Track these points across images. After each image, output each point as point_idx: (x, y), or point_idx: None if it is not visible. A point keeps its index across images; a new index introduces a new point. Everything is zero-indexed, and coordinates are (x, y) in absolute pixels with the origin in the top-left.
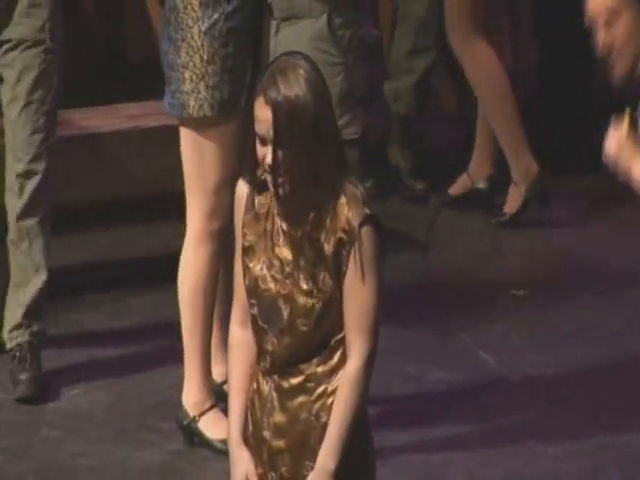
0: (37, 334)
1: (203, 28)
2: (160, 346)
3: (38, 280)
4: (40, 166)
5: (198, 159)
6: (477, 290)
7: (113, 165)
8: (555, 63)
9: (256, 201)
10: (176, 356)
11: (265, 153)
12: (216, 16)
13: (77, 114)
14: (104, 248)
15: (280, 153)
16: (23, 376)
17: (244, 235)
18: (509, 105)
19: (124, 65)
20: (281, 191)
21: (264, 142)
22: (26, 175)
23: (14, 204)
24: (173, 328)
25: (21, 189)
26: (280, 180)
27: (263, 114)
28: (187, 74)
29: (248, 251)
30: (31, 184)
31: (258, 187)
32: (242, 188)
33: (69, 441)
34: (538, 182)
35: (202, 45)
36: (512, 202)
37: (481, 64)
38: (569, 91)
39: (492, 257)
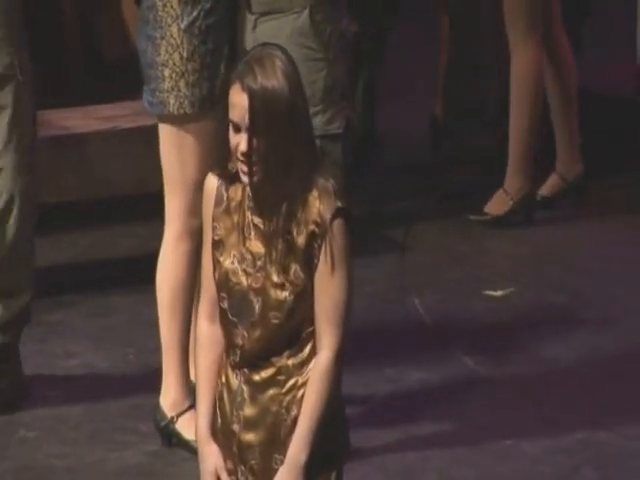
0: (15, 336)
1: (182, 26)
2: (139, 347)
3: (23, 299)
4: (14, 205)
5: (179, 157)
6: (456, 290)
7: (91, 166)
8: None
9: (226, 195)
10: (154, 357)
11: (238, 141)
12: (195, 13)
13: (53, 115)
14: (83, 248)
15: (255, 141)
16: (3, 381)
17: (214, 229)
18: (537, 117)
19: (101, 64)
20: (255, 179)
21: (238, 129)
22: (5, 211)
23: None
24: (152, 329)
25: (2, 223)
26: (254, 169)
27: (239, 100)
28: (167, 72)
29: (218, 245)
30: (11, 219)
31: (230, 179)
32: (212, 181)
33: (46, 442)
34: (528, 199)
35: (181, 43)
36: (495, 204)
37: (526, 69)
38: None
39: (471, 258)
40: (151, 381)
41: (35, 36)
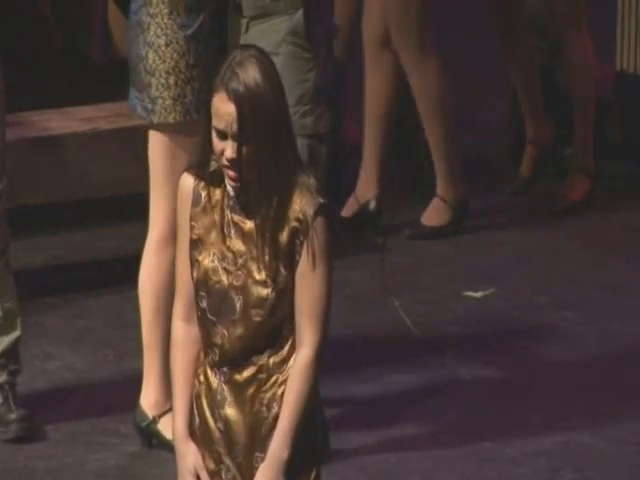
0: (15, 372)
1: (189, 32)
2: (118, 349)
3: (13, 334)
4: None
5: (172, 162)
6: (436, 291)
7: (70, 167)
8: None
9: (203, 194)
10: (133, 358)
11: (224, 147)
12: (200, 19)
13: (33, 116)
14: (62, 250)
15: (243, 147)
16: (13, 416)
17: (192, 228)
18: (449, 124)
19: (82, 66)
20: (240, 184)
21: (224, 136)
22: None
23: None
24: (132, 331)
25: None
26: (242, 173)
27: (225, 109)
28: (172, 79)
29: (196, 244)
30: None
31: (209, 179)
32: (188, 181)
33: (26, 443)
34: (464, 206)
35: (188, 50)
36: (433, 215)
37: (430, 85)
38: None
39: (451, 259)
40: (131, 383)
41: (16, 38)
